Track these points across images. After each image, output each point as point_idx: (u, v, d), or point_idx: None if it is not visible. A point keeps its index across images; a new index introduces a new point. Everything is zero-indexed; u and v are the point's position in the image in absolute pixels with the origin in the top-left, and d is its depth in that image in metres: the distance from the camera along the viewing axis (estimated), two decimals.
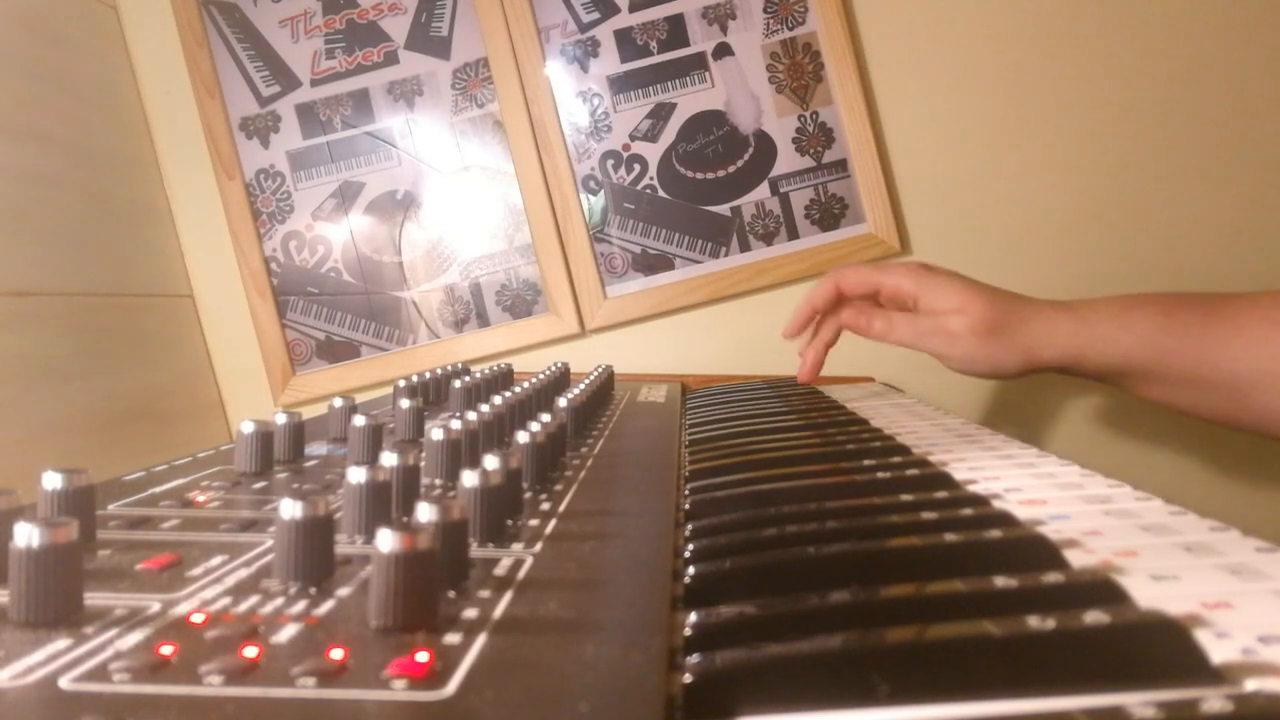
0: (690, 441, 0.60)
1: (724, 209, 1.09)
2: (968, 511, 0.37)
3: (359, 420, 0.49)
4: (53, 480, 0.33)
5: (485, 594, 0.28)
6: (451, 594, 0.28)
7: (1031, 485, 0.43)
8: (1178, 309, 0.65)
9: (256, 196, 1.12)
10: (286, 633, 0.25)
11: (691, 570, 0.32)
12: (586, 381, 0.67)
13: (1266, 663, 0.23)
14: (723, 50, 1.09)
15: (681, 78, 1.09)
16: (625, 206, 1.10)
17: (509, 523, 0.37)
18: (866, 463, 0.48)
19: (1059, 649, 0.24)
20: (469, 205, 1.12)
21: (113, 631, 0.25)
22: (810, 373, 0.80)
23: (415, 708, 0.21)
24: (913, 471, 0.46)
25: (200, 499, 0.41)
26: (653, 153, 1.09)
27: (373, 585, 0.25)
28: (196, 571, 0.31)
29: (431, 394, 0.75)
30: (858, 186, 1.07)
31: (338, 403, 0.59)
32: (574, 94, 1.10)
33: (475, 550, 0.33)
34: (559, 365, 0.79)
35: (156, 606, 0.27)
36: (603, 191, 1.10)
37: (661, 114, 1.09)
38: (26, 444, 0.81)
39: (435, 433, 0.44)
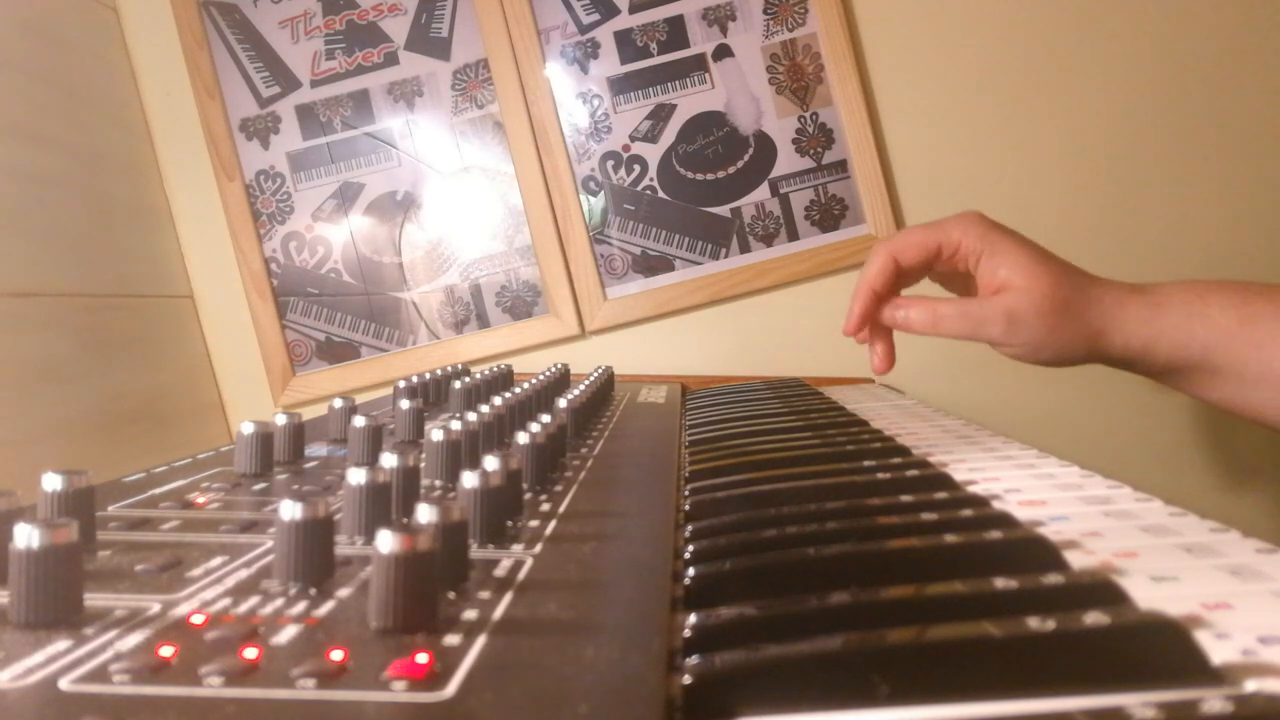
0: (690, 442, 0.60)
1: (724, 210, 1.09)
2: (967, 512, 0.37)
3: (359, 421, 0.49)
4: (53, 481, 0.33)
5: (485, 595, 0.28)
6: (451, 595, 0.28)
7: (1031, 486, 0.43)
8: (1258, 298, 0.58)
9: (256, 197, 1.12)
10: (286, 634, 0.25)
11: (691, 571, 0.32)
12: (586, 383, 0.67)
13: (1266, 663, 0.23)
14: (723, 51, 1.09)
15: (681, 79, 1.09)
16: (625, 208, 1.10)
17: (509, 524, 0.37)
18: (866, 464, 0.48)
19: (1059, 650, 0.24)
20: (469, 206, 1.12)
21: (113, 633, 0.25)
22: (885, 362, 0.65)
23: (415, 709, 0.21)
24: (912, 472, 0.46)
25: (200, 500, 0.41)
26: (653, 154, 1.09)
27: (373, 586, 0.25)
28: (197, 572, 0.31)
29: (431, 395, 0.75)
30: (858, 187, 1.07)
31: (338, 404, 0.59)
32: (574, 95, 1.10)
33: (475, 551, 0.33)
34: (559, 366, 0.79)
35: (156, 607, 0.27)
36: (603, 192, 1.10)
37: (661, 115, 1.09)
38: (27, 445, 0.81)
39: (435, 434, 0.44)
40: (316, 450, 0.54)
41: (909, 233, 0.64)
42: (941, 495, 0.40)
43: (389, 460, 0.37)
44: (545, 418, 0.47)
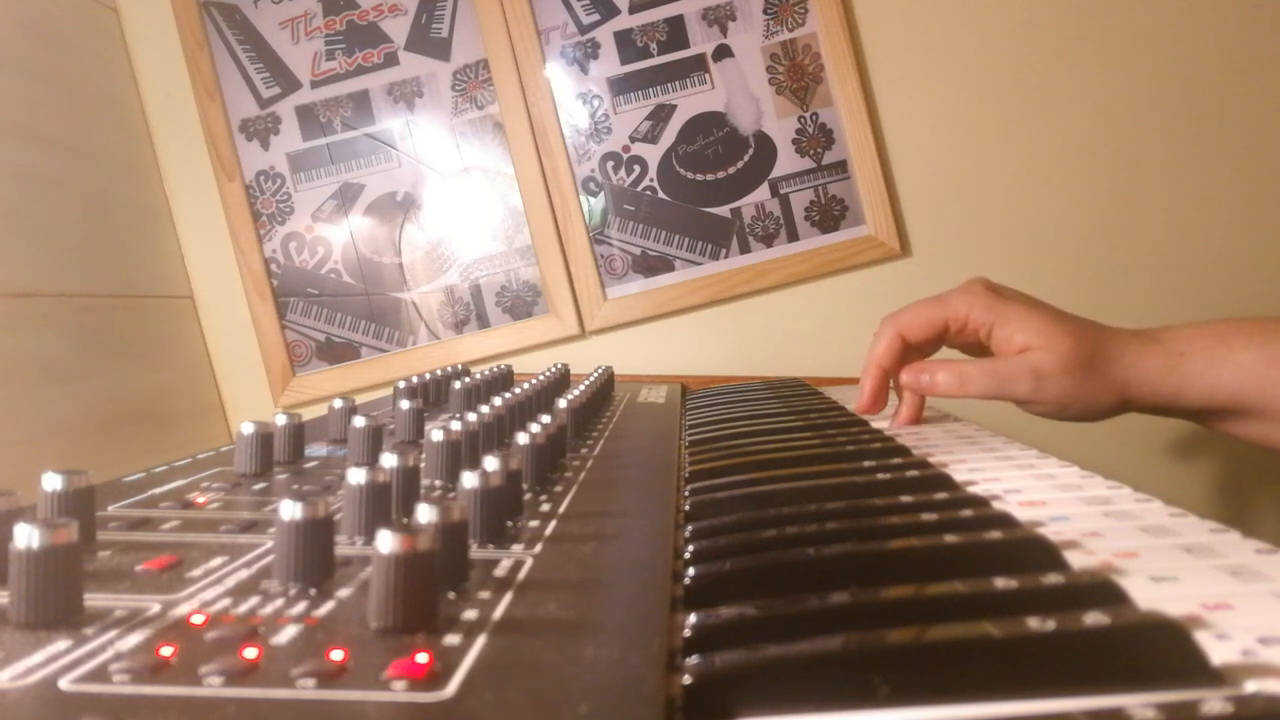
0: (690, 442, 0.60)
1: (724, 210, 1.09)
2: (968, 513, 0.37)
3: (359, 421, 0.49)
4: (53, 481, 0.33)
5: (485, 595, 0.28)
6: (451, 595, 0.28)
7: (1031, 487, 0.43)
8: (1278, 336, 0.57)
9: (256, 198, 1.12)
10: (286, 634, 0.25)
11: (691, 571, 0.32)
12: (587, 383, 0.67)
13: (1266, 664, 0.23)
14: (723, 52, 1.09)
15: (681, 79, 1.09)
16: (625, 208, 1.10)
17: (509, 524, 0.37)
18: (866, 464, 0.48)
19: (1059, 650, 0.24)
20: (469, 207, 1.12)
21: (113, 633, 0.25)
22: (906, 423, 0.65)
23: (415, 709, 0.21)
24: (913, 473, 0.46)
25: (200, 500, 0.41)
26: (653, 154, 1.09)
27: (373, 586, 0.25)
28: (196, 573, 0.31)
29: (431, 395, 0.75)
30: (858, 188, 1.07)
31: (338, 404, 0.59)
32: (574, 95, 1.10)
33: (475, 551, 0.33)
34: (559, 366, 0.79)
35: (156, 608, 0.27)
36: (603, 193, 1.10)
37: (661, 115, 1.09)
38: (26, 445, 0.81)
39: (435, 434, 0.44)
40: (316, 450, 0.54)
41: (915, 309, 0.64)
42: (941, 495, 0.40)
43: (389, 460, 0.37)
44: (545, 418, 0.46)
